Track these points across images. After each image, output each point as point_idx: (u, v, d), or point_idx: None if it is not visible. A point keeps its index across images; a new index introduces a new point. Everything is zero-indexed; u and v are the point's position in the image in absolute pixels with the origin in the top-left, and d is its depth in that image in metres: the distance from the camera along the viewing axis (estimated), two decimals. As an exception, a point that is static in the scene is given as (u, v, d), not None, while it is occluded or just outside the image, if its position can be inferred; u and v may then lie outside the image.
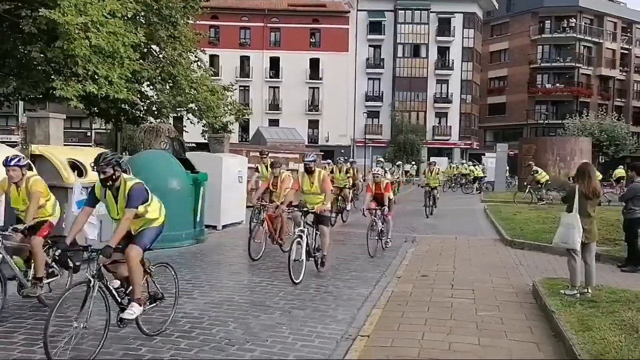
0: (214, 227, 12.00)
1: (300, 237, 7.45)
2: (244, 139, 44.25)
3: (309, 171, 7.97)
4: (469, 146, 51.06)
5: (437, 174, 17.44)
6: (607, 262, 8.96)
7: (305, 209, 7.73)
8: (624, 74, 56.72)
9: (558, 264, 8.70)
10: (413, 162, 42.46)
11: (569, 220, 6.45)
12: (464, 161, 35.69)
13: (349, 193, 15.02)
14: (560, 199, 7.27)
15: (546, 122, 48.52)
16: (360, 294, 6.86)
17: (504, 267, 8.81)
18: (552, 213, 14.27)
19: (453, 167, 33.36)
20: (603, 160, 40.34)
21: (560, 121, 46.35)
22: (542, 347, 5.00)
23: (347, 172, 14.99)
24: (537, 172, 20.86)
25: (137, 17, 15.17)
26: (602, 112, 44.80)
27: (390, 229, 10.31)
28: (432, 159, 30.86)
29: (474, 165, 31.15)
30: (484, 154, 39.61)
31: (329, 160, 20.39)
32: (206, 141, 19.83)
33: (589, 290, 6.45)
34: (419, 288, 7.24)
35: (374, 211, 9.78)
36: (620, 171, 34.82)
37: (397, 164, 32.61)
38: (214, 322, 5.49)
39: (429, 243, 11.26)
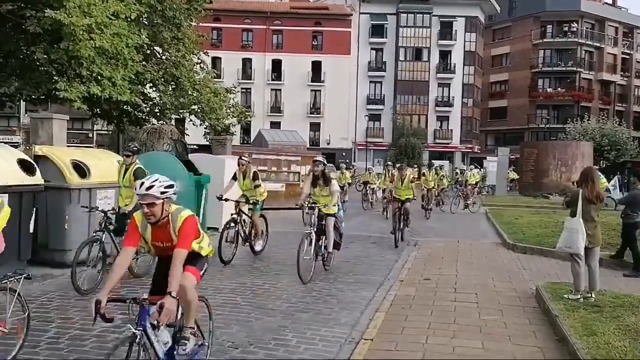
0: (216, 229, 11.96)
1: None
2: (245, 141, 44.27)
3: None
4: (470, 150, 51.08)
5: (411, 182, 12.50)
6: (609, 266, 8.95)
7: None
8: (625, 79, 56.76)
9: (560, 269, 8.69)
10: (415, 165, 42.43)
11: (572, 224, 6.47)
12: (442, 165, 32.93)
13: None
14: (564, 203, 7.28)
15: (547, 126, 48.47)
16: (364, 297, 6.86)
17: (507, 271, 8.80)
18: (554, 217, 14.27)
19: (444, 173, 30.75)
20: (604, 165, 40.28)
21: (561, 125, 46.35)
22: (546, 352, 5.00)
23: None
24: (461, 173, 21.18)
25: (141, 19, 15.17)
26: (603, 117, 44.76)
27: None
28: (434, 162, 30.63)
29: (471, 170, 29.32)
30: (485, 158, 39.56)
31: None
32: (208, 143, 19.85)
33: (593, 295, 6.45)
34: (422, 292, 7.23)
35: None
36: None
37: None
38: (217, 325, 5.45)
39: (431, 246, 11.26)
